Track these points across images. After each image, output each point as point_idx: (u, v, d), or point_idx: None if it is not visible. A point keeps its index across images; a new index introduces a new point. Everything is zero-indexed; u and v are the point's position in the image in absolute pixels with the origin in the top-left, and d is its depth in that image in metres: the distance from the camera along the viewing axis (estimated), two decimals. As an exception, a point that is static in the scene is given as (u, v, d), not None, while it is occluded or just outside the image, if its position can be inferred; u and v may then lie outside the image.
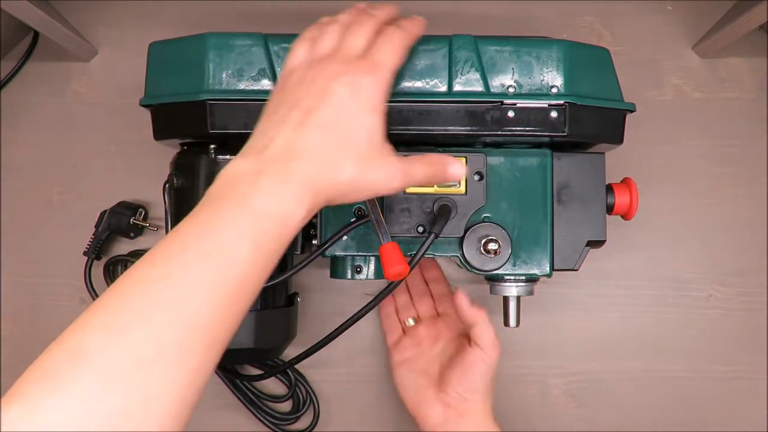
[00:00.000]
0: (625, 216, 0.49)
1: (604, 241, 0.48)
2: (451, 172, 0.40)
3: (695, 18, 0.65)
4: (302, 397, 0.61)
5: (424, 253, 0.44)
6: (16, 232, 0.64)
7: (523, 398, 0.63)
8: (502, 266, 0.46)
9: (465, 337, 0.51)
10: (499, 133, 0.44)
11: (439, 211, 0.46)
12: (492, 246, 0.45)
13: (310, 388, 0.62)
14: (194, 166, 0.47)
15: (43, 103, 0.65)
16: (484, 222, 0.46)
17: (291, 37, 0.44)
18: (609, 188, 0.49)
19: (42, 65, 0.66)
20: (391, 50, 0.38)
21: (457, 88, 0.44)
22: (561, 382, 0.63)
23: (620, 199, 0.48)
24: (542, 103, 0.43)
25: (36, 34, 0.65)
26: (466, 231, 0.46)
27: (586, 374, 0.63)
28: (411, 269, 0.42)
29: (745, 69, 0.64)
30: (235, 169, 0.33)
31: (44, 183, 0.64)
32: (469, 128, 0.44)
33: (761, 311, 0.62)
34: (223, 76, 0.44)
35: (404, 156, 0.37)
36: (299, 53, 0.39)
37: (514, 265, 0.47)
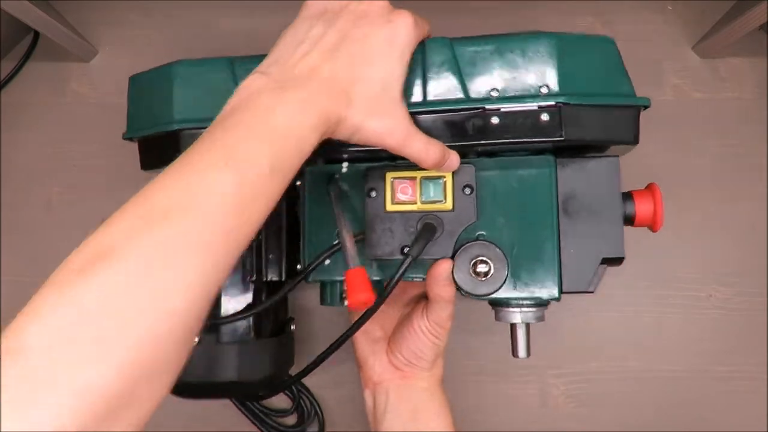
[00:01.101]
0: (652, 227, 0.44)
1: (623, 258, 0.43)
2: (449, 163, 0.39)
3: (695, 18, 0.65)
4: (306, 408, 0.61)
5: (399, 278, 0.39)
6: (16, 232, 0.64)
7: (523, 398, 0.62)
8: (498, 290, 0.41)
9: (424, 299, 0.48)
10: (483, 143, 0.39)
11: (421, 231, 0.41)
12: (482, 268, 0.40)
13: (314, 399, 0.61)
14: None
15: (43, 103, 0.65)
16: (477, 240, 0.41)
17: (257, 59, 0.40)
18: (628, 196, 0.43)
19: (42, 65, 0.66)
20: (424, 24, 0.38)
21: (432, 96, 0.39)
22: (561, 382, 0.63)
23: (642, 207, 0.43)
24: (531, 106, 0.38)
25: (36, 34, 0.65)
26: (455, 251, 0.41)
27: (586, 374, 0.63)
28: (386, 297, 0.39)
29: (745, 69, 0.64)
30: (259, 82, 0.33)
31: (44, 183, 0.64)
32: (448, 140, 0.39)
33: (761, 311, 0.62)
34: (191, 104, 0.43)
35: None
36: None
37: (514, 287, 0.42)
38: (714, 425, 0.62)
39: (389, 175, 0.43)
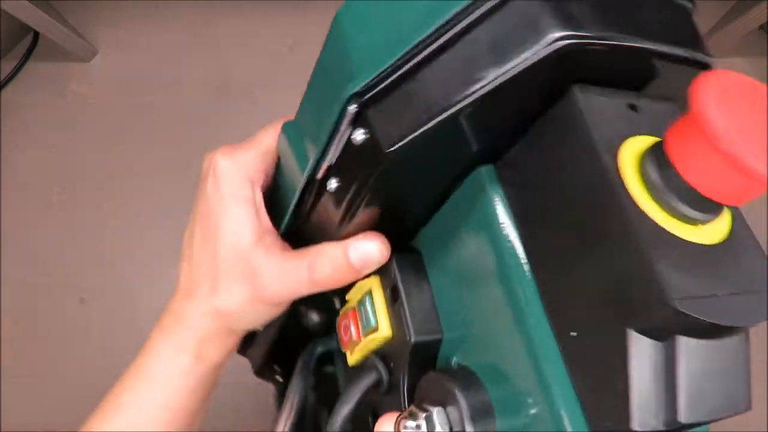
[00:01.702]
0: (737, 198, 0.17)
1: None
2: (364, 259, 0.25)
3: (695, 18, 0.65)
4: None
5: None
6: (16, 232, 0.64)
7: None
8: None
9: None
10: (344, 227, 0.24)
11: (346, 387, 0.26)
12: (408, 429, 0.22)
13: None
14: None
15: (43, 103, 0.65)
16: (428, 374, 0.23)
17: None
18: (655, 154, 0.18)
19: (42, 65, 0.66)
20: (267, 130, 0.28)
21: (292, 197, 0.26)
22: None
23: (688, 162, 0.16)
24: (343, 132, 0.20)
25: (36, 34, 0.65)
26: (411, 395, 0.25)
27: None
28: None
29: (745, 69, 0.64)
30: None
31: (44, 183, 0.64)
32: (331, 236, 0.25)
33: (761, 311, 0.63)
34: None
35: (288, 252, 0.27)
36: None
37: None
38: (714, 425, 0.62)
39: (342, 313, 0.29)
